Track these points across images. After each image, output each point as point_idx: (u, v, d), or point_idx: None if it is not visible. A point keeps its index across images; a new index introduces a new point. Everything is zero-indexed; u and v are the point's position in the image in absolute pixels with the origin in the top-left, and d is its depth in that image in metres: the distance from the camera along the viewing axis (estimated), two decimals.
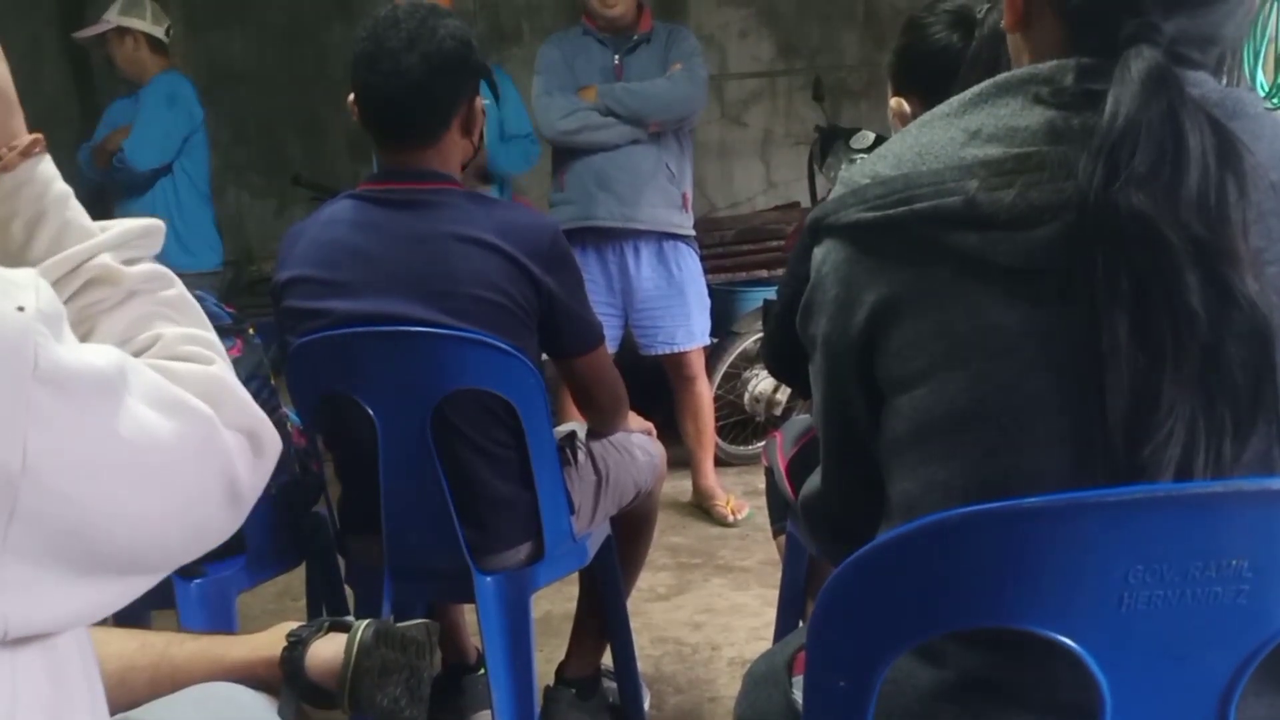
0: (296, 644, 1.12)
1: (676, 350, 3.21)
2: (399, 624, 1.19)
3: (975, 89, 0.85)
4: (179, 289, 0.79)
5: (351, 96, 1.68)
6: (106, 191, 3.79)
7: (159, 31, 3.62)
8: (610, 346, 2.82)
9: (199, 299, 1.89)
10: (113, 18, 3.52)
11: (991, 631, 0.77)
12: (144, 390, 0.63)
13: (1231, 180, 0.75)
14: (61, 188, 0.76)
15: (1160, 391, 0.74)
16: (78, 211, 0.76)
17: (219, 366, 0.73)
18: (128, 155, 3.47)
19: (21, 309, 0.54)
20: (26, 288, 0.56)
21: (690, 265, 3.22)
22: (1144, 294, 0.74)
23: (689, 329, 3.21)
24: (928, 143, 0.84)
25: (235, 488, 0.70)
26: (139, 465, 0.61)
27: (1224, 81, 0.84)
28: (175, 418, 0.64)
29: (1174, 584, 0.72)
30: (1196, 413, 0.75)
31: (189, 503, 0.66)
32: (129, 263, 0.74)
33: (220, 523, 0.70)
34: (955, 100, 0.86)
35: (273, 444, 0.75)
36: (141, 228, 0.76)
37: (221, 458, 0.68)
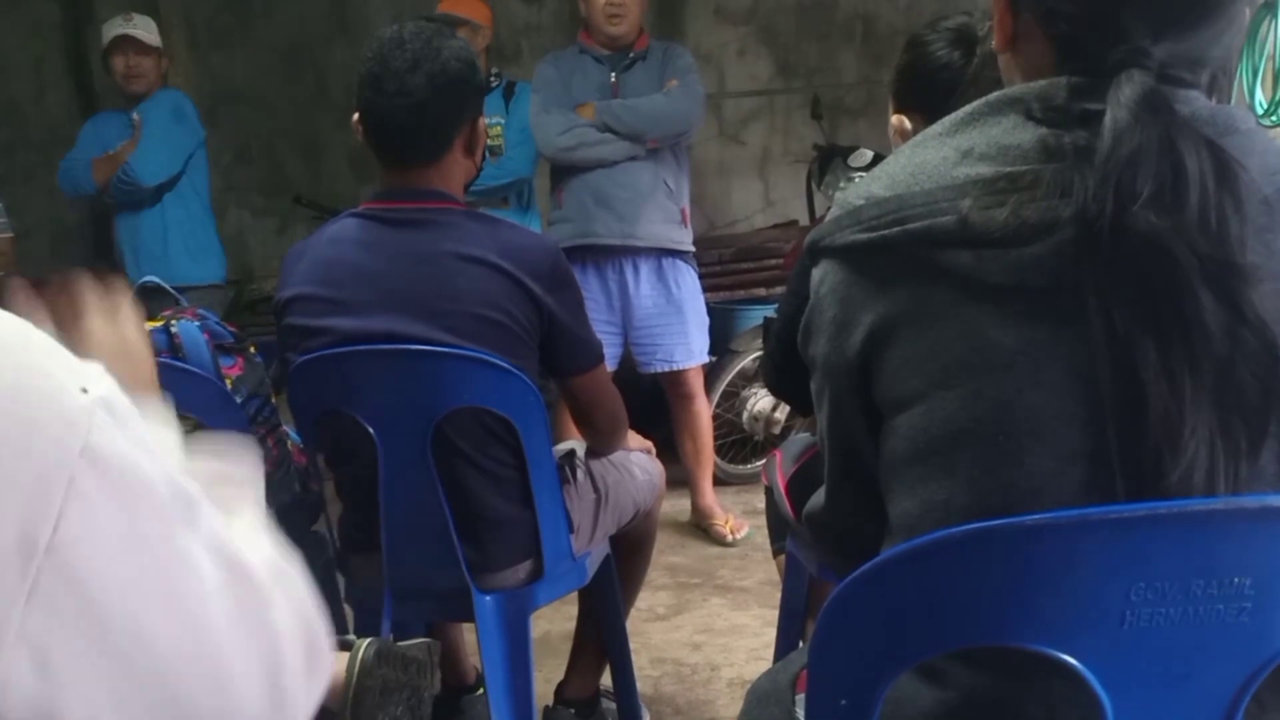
0: None
1: (675, 368, 3.21)
2: (399, 643, 1.19)
3: (967, 108, 0.86)
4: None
5: (356, 116, 1.69)
6: (101, 205, 3.77)
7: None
8: (610, 365, 2.83)
9: (201, 317, 1.90)
10: (153, 38, 3.54)
11: (993, 650, 0.77)
12: (203, 529, 0.57)
13: (1229, 199, 0.76)
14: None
15: (1185, 413, 0.74)
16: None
17: (291, 562, 0.66)
18: (135, 170, 3.45)
19: (85, 390, 0.53)
20: (94, 375, 0.54)
21: (689, 283, 3.23)
22: (1162, 316, 0.75)
23: (688, 347, 3.22)
24: (921, 163, 0.84)
25: (277, 681, 0.59)
26: (173, 601, 0.54)
27: (1214, 100, 0.85)
28: (228, 572, 0.57)
29: (1176, 602, 0.72)
30: (1215, 433, 0.75)
31: (219, 672, 0.56)
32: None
33: (252, 712, 0.58)
34: (948, 120, 0.87)
35: (325, 667, 0.65)
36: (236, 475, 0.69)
37: (269, 638, 0.59)
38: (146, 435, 0.57)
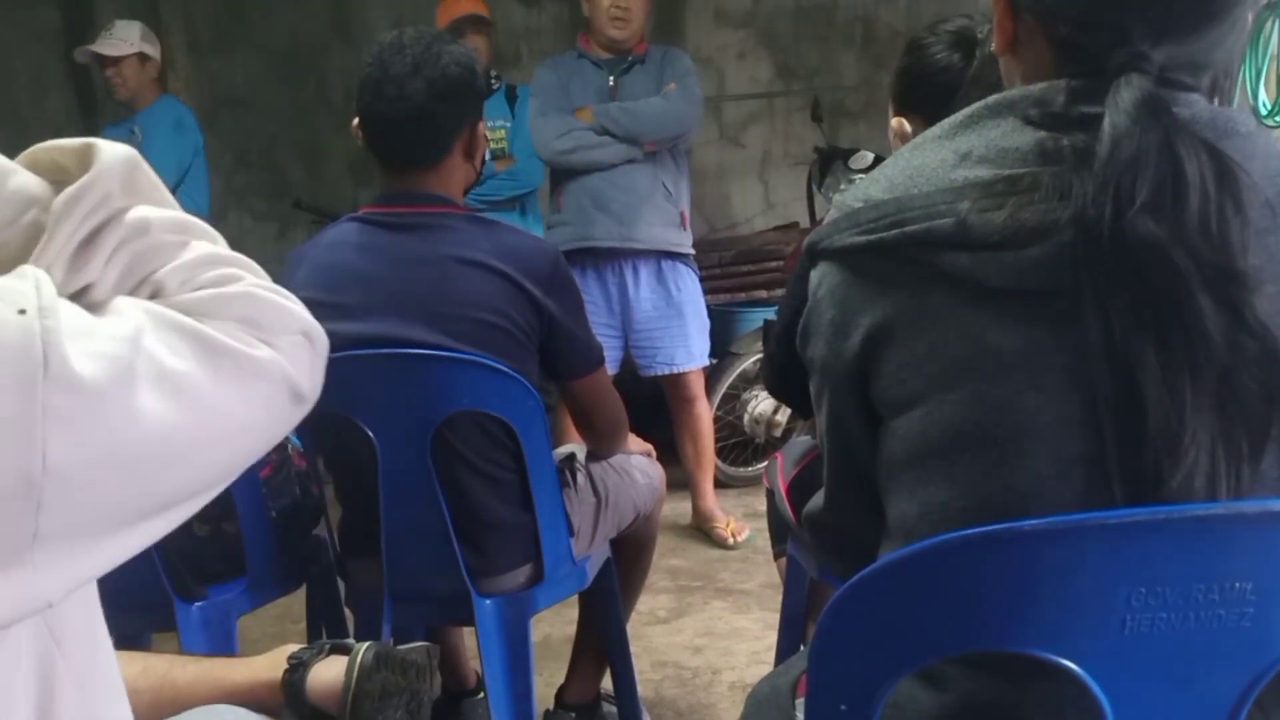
0: (297, 666, 1.12)
1: (676, 371, 3.21)
2: (399, 647, 1.19)
3: (966, 111, 0.86)
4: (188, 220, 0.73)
5: (356, 121, 1.69)
6: None
7: (157, 57, 3.67)
8: (610, 368, 2.82)
9: None
10: (135, 41, 3.54)
11: (994, 655, 0.77)
12: (173, 343, 0.61)
13: (1229, 202, 0.76)
14: None
15: (1185, 418, 0.74)
16: None
17: (248, 282, 0.69)
18: None
19: (23, 311, 0.53)
20: (26, 289, 0.55)
21: (689, 286, 3.23)
22: (1162, 321, 0.75)
23: (688, 349, 3.22)
24: (919, 165, 0.84)
25: (297, 392, 0.68)
26: (176, 432, 0.59)
27: (1216, 103, 0.85)
28: (214, 361, 0.62)
29: (1177, 607, 0.72)
30: (1216, 439, 0.75)
31: (247, 426, 0.65)
32: (94, 234, 0.63)
33: (286, 425, 0.68)
34: (946, 123, 0.87)
35: (321, 336, 0.73)
36: (97, 186, 0.63)
37: (276, 377, 0.66)
38: (105, 263, 0.61)
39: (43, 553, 0.53)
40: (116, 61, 3.54)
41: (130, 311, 0.61)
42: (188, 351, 0.61)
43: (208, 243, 0.72)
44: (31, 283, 0.55)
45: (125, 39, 3.54)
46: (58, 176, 0.62)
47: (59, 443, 0.52)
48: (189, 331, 0.62)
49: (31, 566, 0.53)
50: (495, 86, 3.42)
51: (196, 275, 0.68)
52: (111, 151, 0.64)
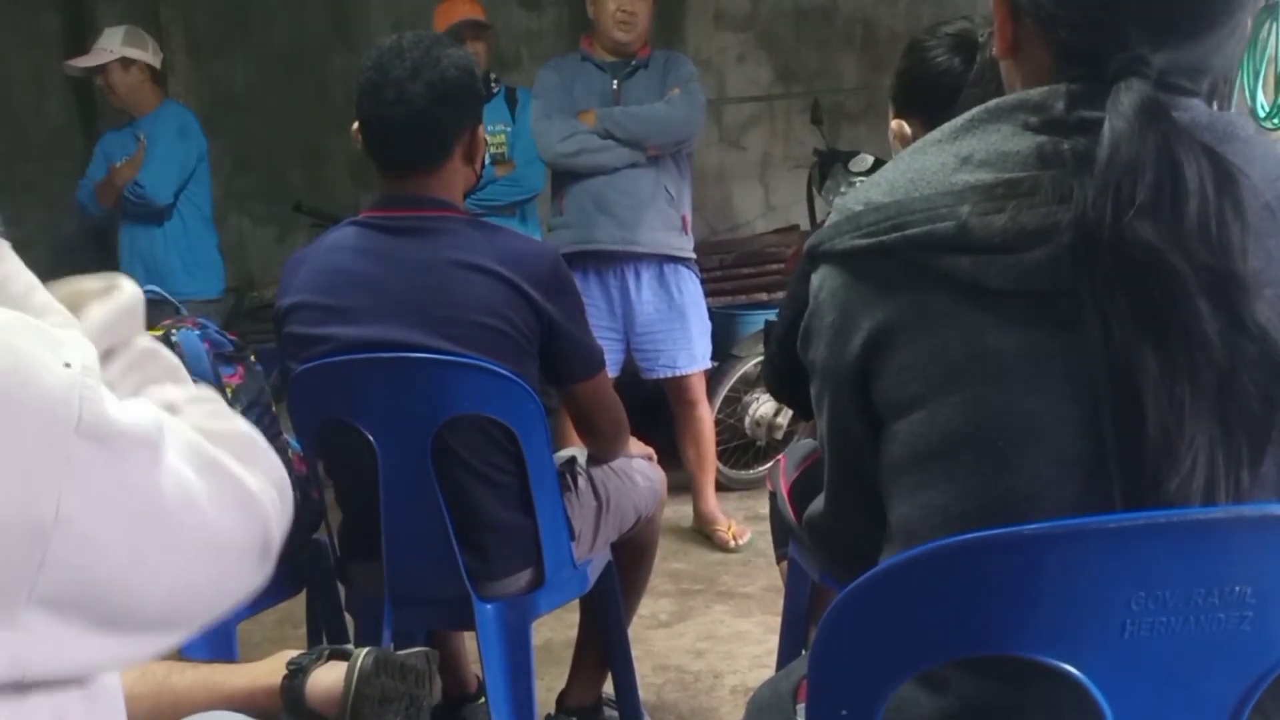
0: (297, 672, 1.12)
1: (678, 373, 3.22)
2: (399, 652, 1.19)
3: (967, 115, 0.86)
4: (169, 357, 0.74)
5: (356, 124, 1.69)
6: (109, 225, 3.82)
7: (158, 63, 3.66)
8: (611, 371, 2.83)
9: (202, 326, 1.90)
10: (115, 48, 3.52)
11: (995, 659, 0.77)
12: (181, 449, 0.62)
13: (1229, 206, 0.76)
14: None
15: (1183, 422, 0.74)
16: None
17: (247, 425, 0.72)
18: (148, 190, 3.52)
19: (69, 365, 0.54)
20: (73, 344, 0.56)
21: (691, 288, 3.23)
22: (1160, 325, 0.74)
23: (690, 352, 3.22)
24: (920, 169, 0.84)
25: (269, 547, 0.69)
26: (175, 523, 0.60)
27: (1215, 108, 0.85)
28: (212, 478, 0.63)
29: (1177, 610, 0.72)
30: (1215, 442, 0.75)
31: (223, 564, 0.65)
32: (108, 353, 0.66)
33: (251, 582, 0.69)
34: (947, 126, 0.87)
35: (289, 496, 0.74)
36: (119, 311, 0.68)
37: (260, 520, 0.67)
38: (119, 375, 0.62)
39: (34, 618, 0.53)
40: (101, 70, 3.54)
41: (151, 405, 0.63)
42: (192, 458, 0.63)
43: (213, 391, 0.75)
44: (80, 341, 0.57)
45: (106, 47, 3.53)
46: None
47: (75, 494, 0.53)
48: (194, 441, 0.64)
49: (22, 630, 0.53)
50: (495, 90, 3.42)
51: (198, 407, 0.70)
52: (132, 287, 0.68)
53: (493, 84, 3.40)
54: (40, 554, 0.52)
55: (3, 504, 0.51)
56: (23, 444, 0.52)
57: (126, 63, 3.54)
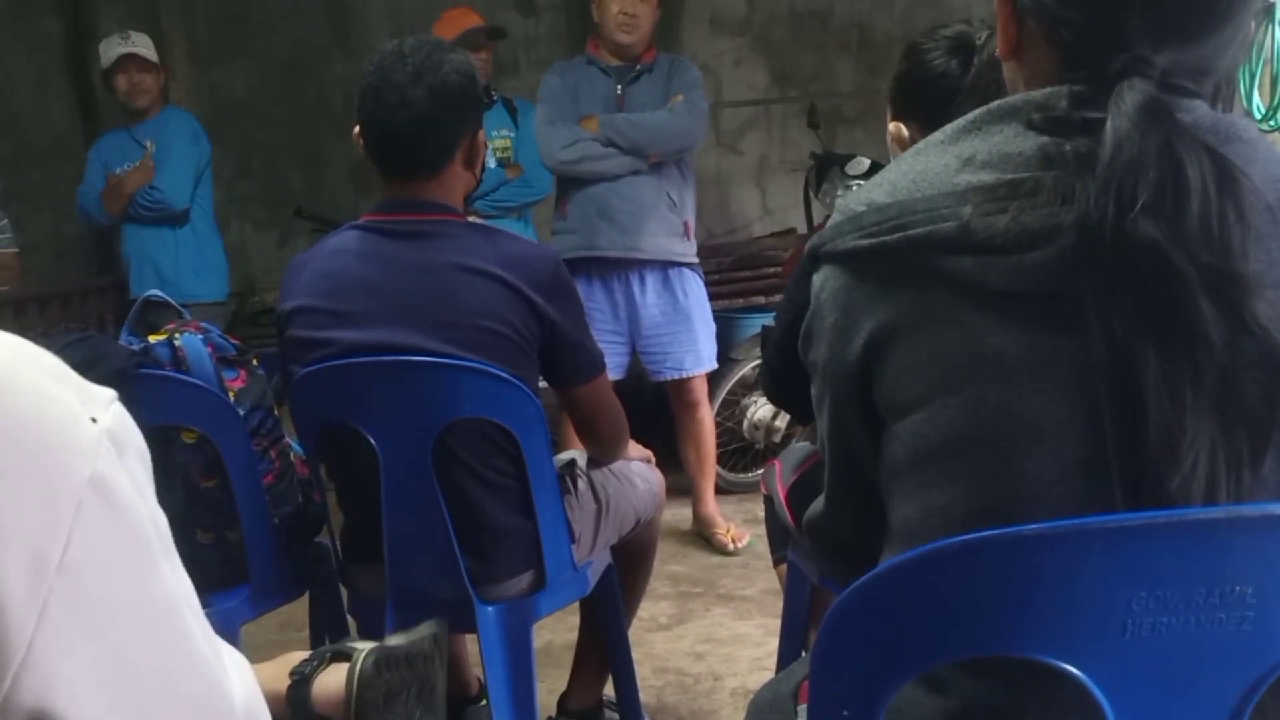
0: (301, 681, 1.12)
1: (685, 375, 3.23)
2: (402, 639, 1.18)
3: (969, 116, 0.86)
4: None
5: (357, 129, 1.70)
6: (112, 229, 3.82)
7: None
8: (614, 374, 2.83)
9: (205, 330, 1.90)
10: (151, 53, 3.58)
11: (995, 659, 0.77)
12: (177, 569, 0.59)
13: (1231, 206, 0.76)
14: None
15: (1184, 422, 0.74)
16: None
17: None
18: (168, 195, 3.55)
19: (95, 420, 0.54)
20: (103, 405, 0.56)
21: (696, 291, 3.24)
22: (1162, 324, 0.75)
23: (697, 354, 3.23)
24: (922, 170, 0.84)
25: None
26: (167, 628, 0.57)
27: (1219, 109, 0.85)
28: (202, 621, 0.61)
29: (1178, 611, 0.72)
30: (1216, 442, 0.75)
31: (214, 693, 0.60)
32: None
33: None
34: (949, 127, 0.87)
35: None
36: None
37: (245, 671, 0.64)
38: (138, 470, 0.59)
39: (23, 674, 0.50)
40: (148, 68, 3.57)
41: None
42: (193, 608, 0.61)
43: None
44: (108, 405, 0.57)
45: (149, 49, 3.58)
46: None
47: (80, 542, 0.52)
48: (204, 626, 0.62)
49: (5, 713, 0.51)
50: (495, 99, 3.44)
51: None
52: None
53: (491, 96, 3.41)
54: (41, 602, 0.50)
55: (14, 531, 0.51)
56: (43, 481, 0.51)
57: (159, 70, 3.63)
